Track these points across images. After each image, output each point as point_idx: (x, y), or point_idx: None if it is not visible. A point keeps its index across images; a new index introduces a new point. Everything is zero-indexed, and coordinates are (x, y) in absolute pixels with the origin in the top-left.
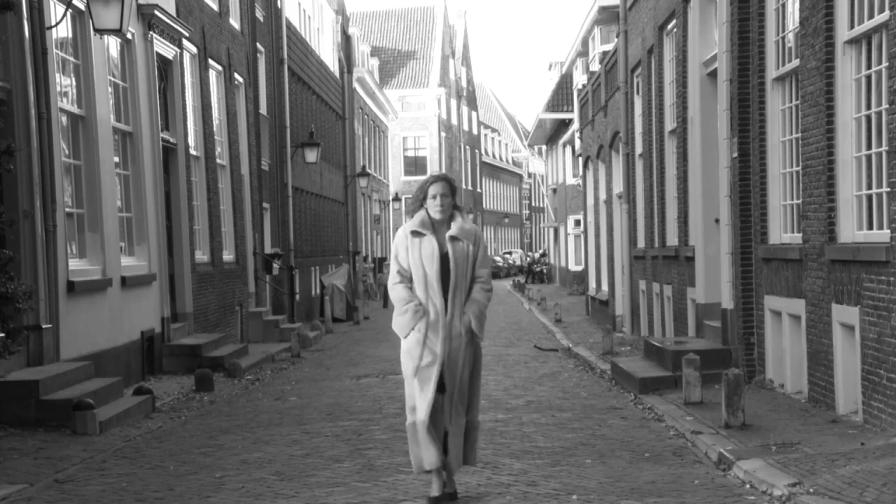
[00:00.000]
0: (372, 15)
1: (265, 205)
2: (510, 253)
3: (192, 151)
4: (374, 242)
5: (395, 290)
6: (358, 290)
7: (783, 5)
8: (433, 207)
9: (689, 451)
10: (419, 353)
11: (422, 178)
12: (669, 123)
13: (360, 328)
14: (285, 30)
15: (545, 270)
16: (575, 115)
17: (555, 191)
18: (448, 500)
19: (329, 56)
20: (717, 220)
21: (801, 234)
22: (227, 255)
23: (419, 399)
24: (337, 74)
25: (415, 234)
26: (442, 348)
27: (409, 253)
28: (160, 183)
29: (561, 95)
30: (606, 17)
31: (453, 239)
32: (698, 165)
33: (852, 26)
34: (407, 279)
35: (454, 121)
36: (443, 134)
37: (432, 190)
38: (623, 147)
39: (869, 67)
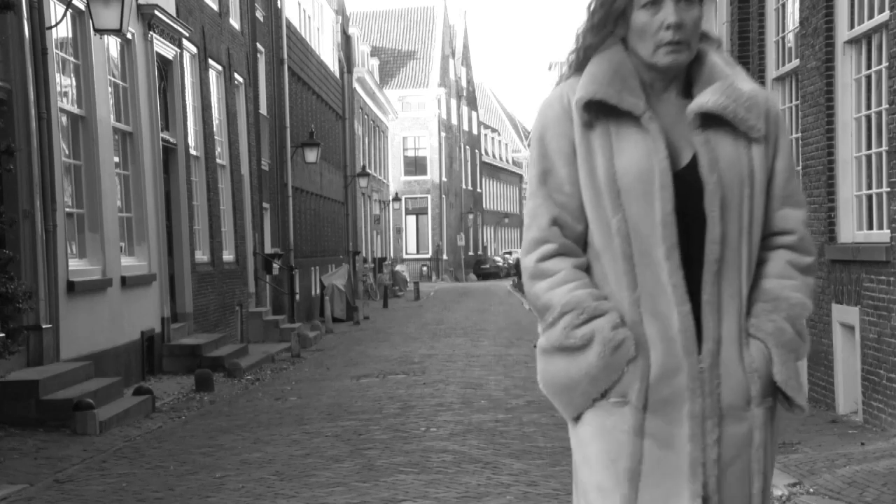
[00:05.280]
0: (372, 15)
1: (265, 205)
2: (510, 253)
3: (192, 151)
4: (374, 242)
5: (547, 277)
6: (358, 290)
7: (783, 5)
8: (653, 35)
9: None
10: (629, 470)
11: (422, 178)
12: None
13: (361, 328)
14: (285, 30)
15: None
16: None
17: None
18: None
19: (329, 56)
20: None
21: None
22: (227, 255)
23: None
24: (337, 74)
25: (596, 108)
26: (695, 451)
27: (584, 167)
28: (160, 183)
29: None
30: None
31: (709, 120)
32: None
33: (852, 26)
34: (575, 239)
35: (454, 121)
36: (443, 134)
37: None
38: None
39: (869, 67)
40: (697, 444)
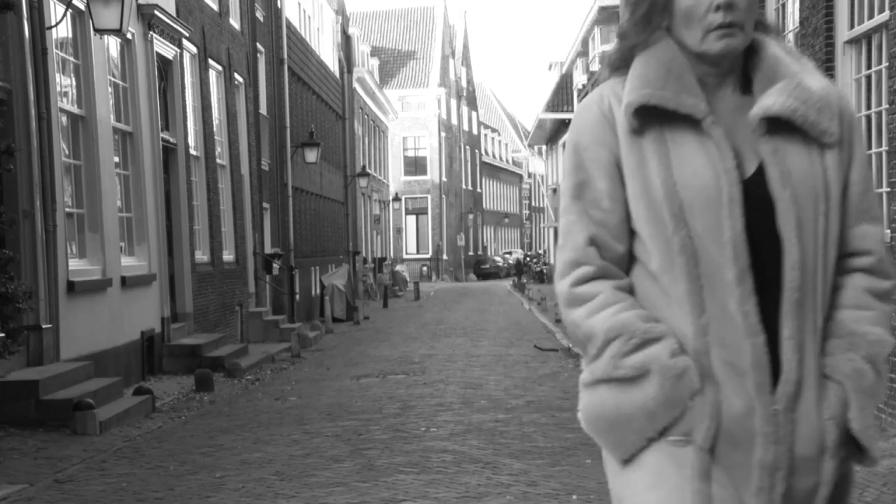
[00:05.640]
0: (372, 15)
1: (265, 205)
2: (510, 253)
3: (192, 151)
4: (374, 242)
5: (586, 302)
6: (358, 290)
7: (783, 5)
8: (701, 19)
9: None
10: None
11: (422, 178)
12: None
13: (360, 328)
14: (285, 30)
15: (545, 270)
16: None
17: (555, 191)
18: None
19: (329, 56)
20: None
21: None
22: (227, 255)
23: None
24: (337, 74)
25: (647, 113)
26: None
27: (635, 179)
28: (160, 183)
29: (561, 95)
30: (606, 17)
31: (776, 125)
32: None
33: (852, 26)
34: (615, 261)
35: (454, 121)
36: (443, 134)
37: None
38: None
39: (869, 67)
40: (764, 498)
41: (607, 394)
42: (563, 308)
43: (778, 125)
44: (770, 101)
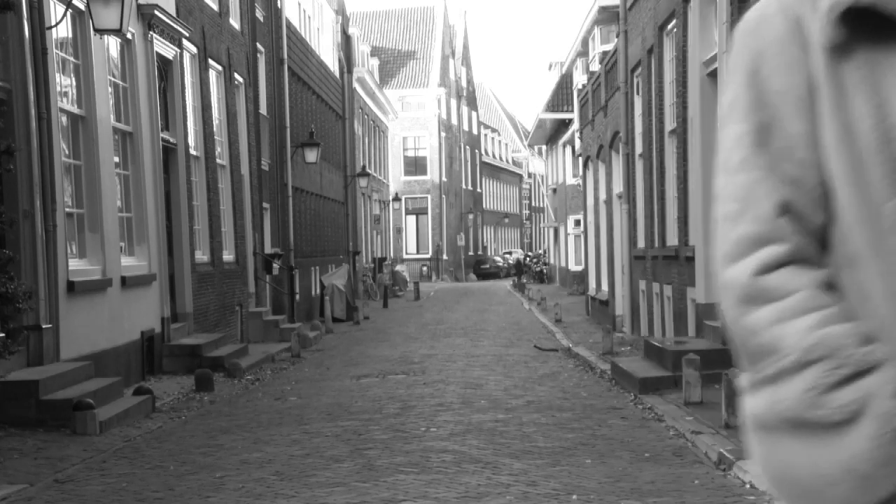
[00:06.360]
0: (372, 15)
1: (265, 205)
2: (510, 253)
3: (192, 151)
4: (374, 242)
5: (774, 301)
6: (358, 290)
7: None
8: None
9: (689, 451)
10: None
11: (422, 178)
12: (669, 123)
13: (360, 328)
14: (285, 30)
15: (545, 270)
16: (575, 116)
17: (555, 191)
18: None
19: (329, 56)
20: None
21: None
22: (227, 255)
23: None
24: (337, 74)
25: (855, 26)
26: None
27: (834, 121)
28: (160, 183)
29: (561, 95)
30: (606, 17)
31: None
32: (698, 165)
33: None
34: (813, 238)
35: (454, 121)
36: (443, 134)
37: None
38: (623, 147)
39: None
40: None
41: (796, 444)
42: (735, 303)
43: None
44: None
